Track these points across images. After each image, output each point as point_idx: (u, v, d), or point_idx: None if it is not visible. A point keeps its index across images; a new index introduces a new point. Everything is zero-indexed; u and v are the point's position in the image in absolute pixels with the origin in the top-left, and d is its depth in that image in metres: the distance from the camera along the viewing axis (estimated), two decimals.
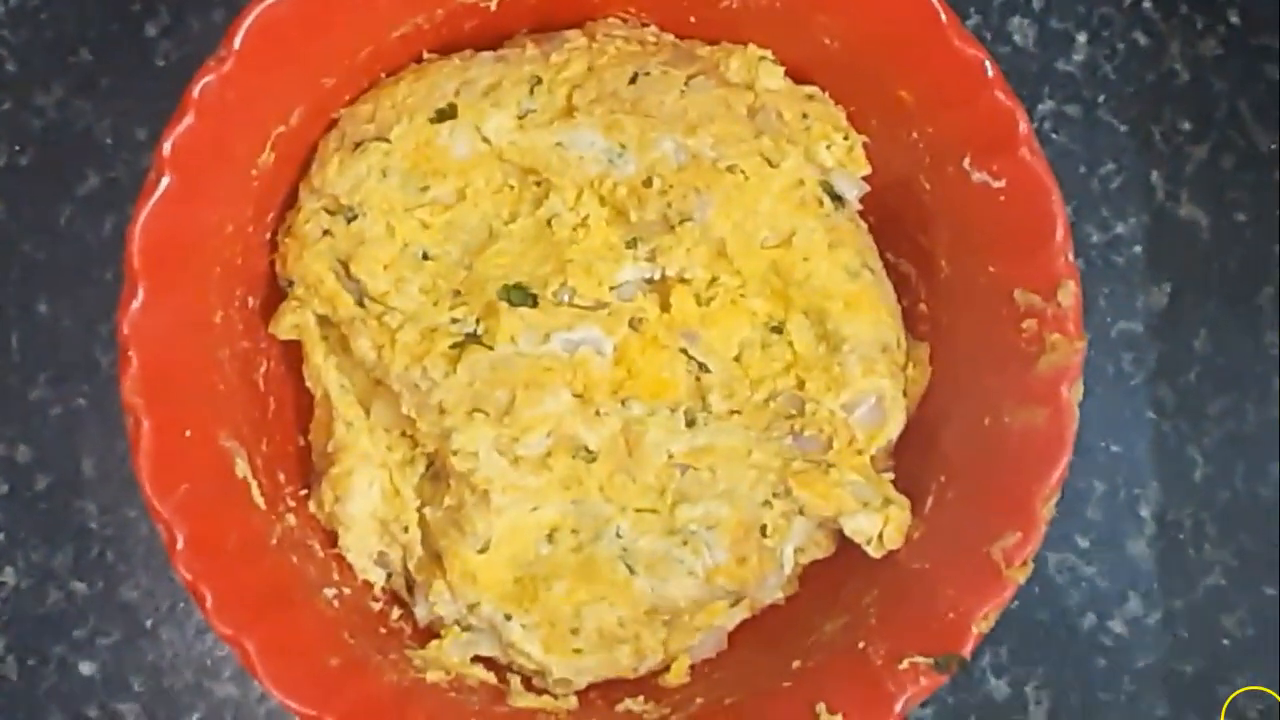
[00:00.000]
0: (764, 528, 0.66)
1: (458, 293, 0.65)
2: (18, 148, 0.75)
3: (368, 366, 0.65)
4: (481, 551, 0.65)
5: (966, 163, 0.64)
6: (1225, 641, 0.74)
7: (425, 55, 0.67)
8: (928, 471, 0.66)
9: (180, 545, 0.59)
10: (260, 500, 0.64)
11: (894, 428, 0.67)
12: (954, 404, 0.66)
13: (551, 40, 0.67)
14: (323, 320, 0.66)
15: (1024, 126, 0.63)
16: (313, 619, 0.64)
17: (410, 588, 0.68)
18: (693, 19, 0.68)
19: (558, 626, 0.65)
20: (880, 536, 0.65)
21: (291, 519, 0.66)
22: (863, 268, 0.67)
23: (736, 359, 0.66)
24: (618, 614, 0.65)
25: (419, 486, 0.67)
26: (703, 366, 0.65)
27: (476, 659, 0.67)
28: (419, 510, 0.67)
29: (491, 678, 0.67)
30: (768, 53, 0.67)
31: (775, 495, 0.66)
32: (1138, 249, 0.77)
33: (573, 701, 0.66)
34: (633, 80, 0.66)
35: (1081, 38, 0.78)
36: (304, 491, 0.68)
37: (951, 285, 0.66)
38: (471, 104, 0.65)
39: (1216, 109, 0.78)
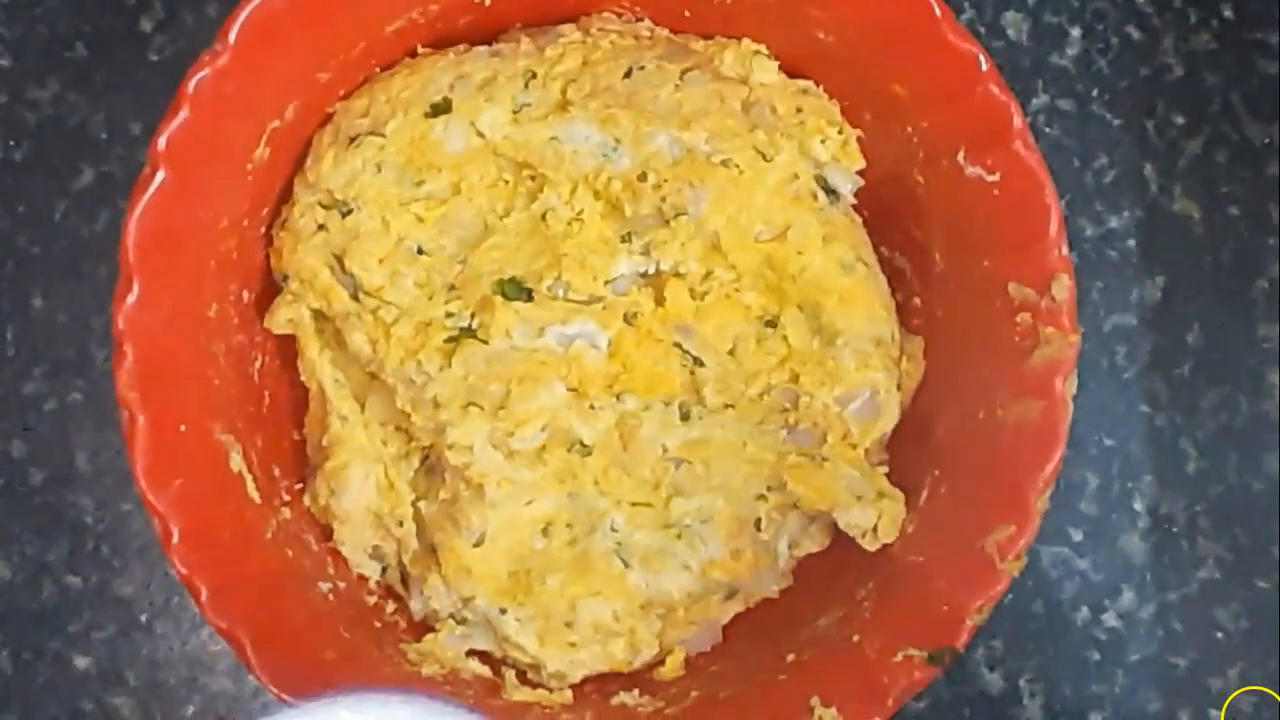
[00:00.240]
0: (758, 521, 0.66)
1: (452, 287, 0.65)
2: (12, 142, 0.75)
3: (362, 361, 0.65)
4: (476, 545, 0.65)
5: (961, 157, 0.64)
6: (1219, 635, 0.74)
7: (420, 50, 0.67)
8: (922, 465, 0.66)
9: (175, 539, 0.59)
10: (255, 494, 0.64)
11: (888, 421, 0.67)
12: (948, 398, 0.66)
13: (546, 35, 0.67)
14: (317, 315, 0.66)
15: (1018, 121, 0.63)
16: (307, 613, 0.64)
17: (405, 581, 0.68)
18: (687, 13, 0.68)
19: (552, 620, 0.65)
20: (874, 530, 0.66)
21: (286, 513, 0.66)
22: (857, 262, 0.67)
23: (731, 353, 0.66)
24: (612, 608, 0.66)
25: (414, 480, 0.67)
26: (697, 360, 0.65)
27: (471, 653, 0.67)
28: (414, 504, 0.67)
29: (486, 671, 0.67)
30: (762, 47, 0.67)
31: (770, 489, 0.66)
32: (1131, 243, 0.77)
33: (567, 695, 0.66)
34: (627, 75, 0.66)
35: (1075, 32, 0.78)
36: (299, 485, 0.68)
37: (946, 279, 0.66)
38: (466, 99, 0.65)
39: (1210, 103, 0.78)
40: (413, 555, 0.67)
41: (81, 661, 0.74)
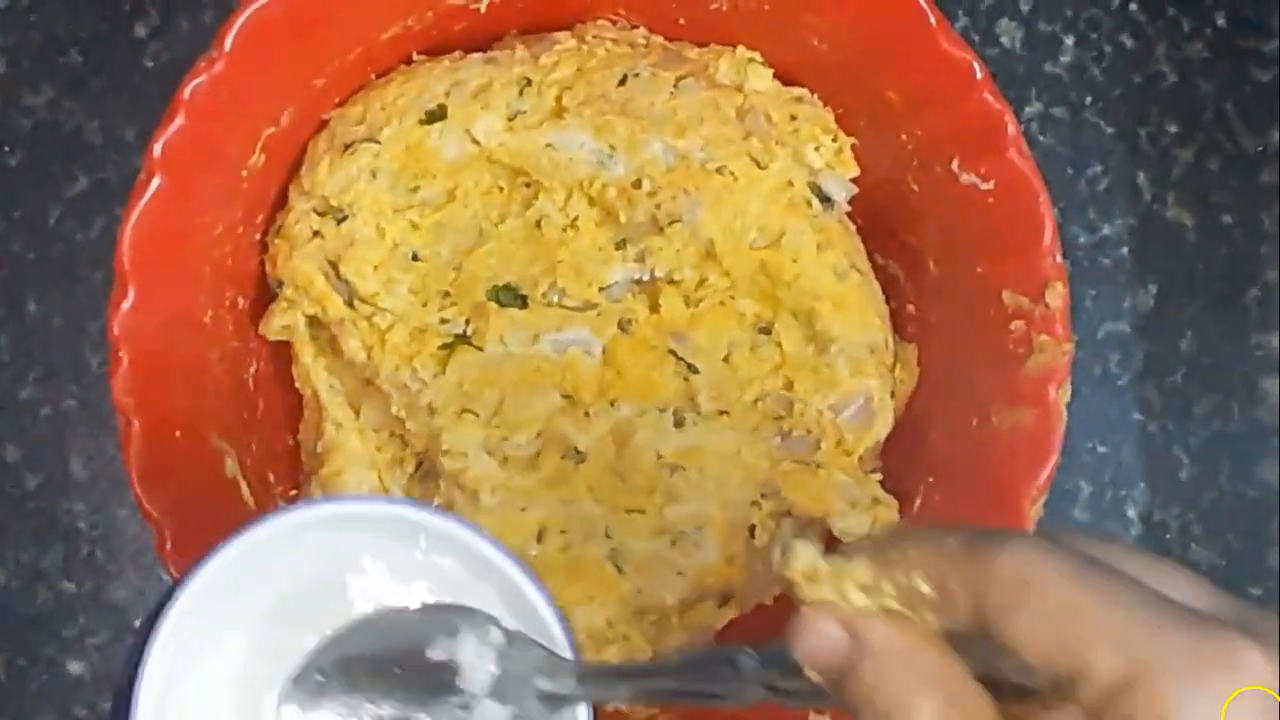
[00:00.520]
0: (752, 528, 0.66)
1: (447, 294, 0.65)
2: (7, 148, 0.75)
3: (357, 367, 0.65)
4: None
5: (955, 164, 0.64)
6: None
7: (415, 57, 0.67)
8: (915, 472, 0.66)
9: (169, 545, 0.59)
10: (250, 500, 0.64)
11: (882, 428, 0.67)
12: (942, 405, 0.66)
13: (541, 42, 0.67)
14: (312, 321, 0.66)
15: (1012, 128, 0.63)
16: None
17: None
18: (682, 21, 0.68)
19: None
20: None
21: None
22: (851, 269, 0.67)
23: (725, 360, 0.66)
24: (606, 614, 0.66)
25: (408, 486, 0.67)
26: (691, 367, 0.65)
27: None
28: None
29: None
30: (756, 55, 0.67)
31: (763, 495, 0.66)
32: (1124, 250, 0.77)
33: None
34: (622, 82, 0.66)
35: (1069, 40, 0.78)
36: (293, 491, 0.68)
37: (939, 286, 0.67)
38: (461, 105, 0.65)
39: (1203, 111, 0.78)
40: None
41: (76, 667, 0.74)
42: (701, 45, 0.68)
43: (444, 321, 0.65)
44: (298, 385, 0.68)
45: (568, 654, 0.50)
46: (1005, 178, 0.63)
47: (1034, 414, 0.62)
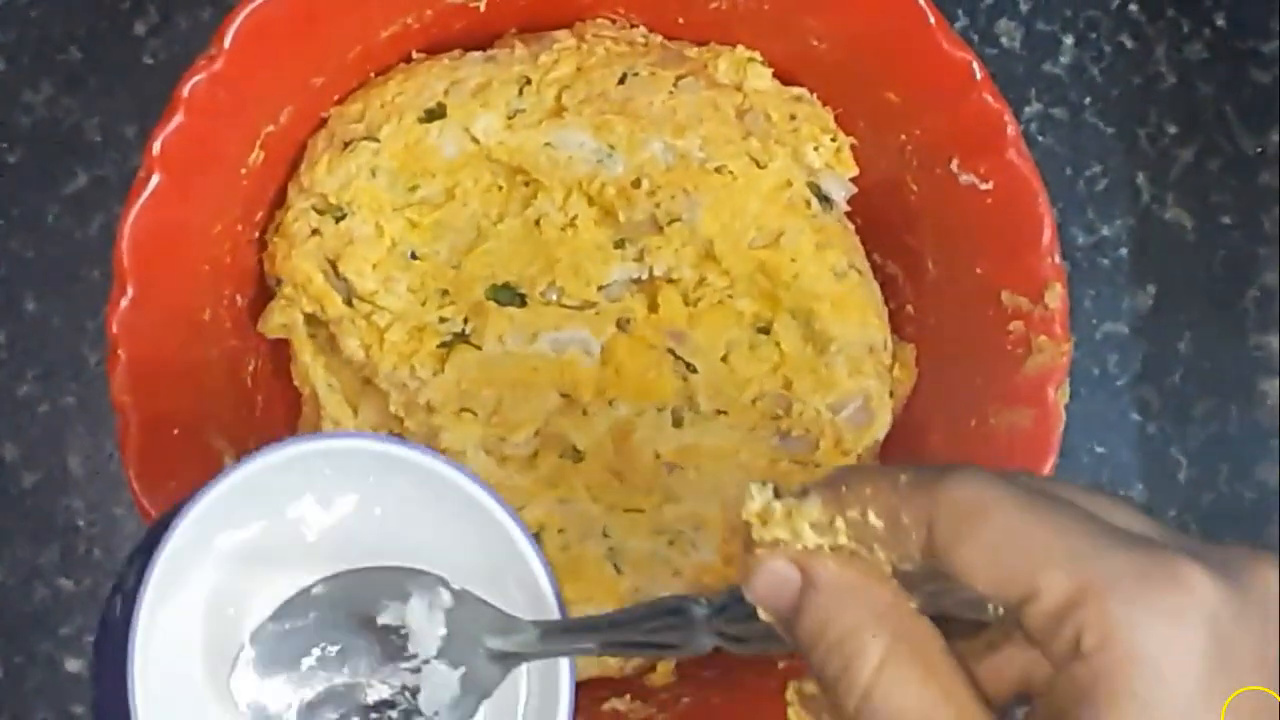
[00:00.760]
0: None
1: (446, 292, 0.65)
2: (5, 145, 0.75)
3: (356, 366, 0.65)
4: None
5: (954, 164, 0.64)
6: None
7: (414, 55, 0.67)
8: None
9: None
10: None
11: (880, 429, 0.67)
12: (940, 405, 0.66)
13: (540, 41, 0.67)
14: (311, 319, 0.66)
15: (1011, 129, 0.63)
16: None
17: None
18: (681, 20, 0.68)
19: None
20: None
21: None
22: (850, 269, 0.67)
23: (724, 359, 0.66)
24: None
25: None
26: (690, 367, 0.65)
27: None
28: None
29: None
30: (756, 54, 0.67)
31: None
32: (1123, 251, 0.77)
33: None
34: (621, 81, 0.66)
35: (1068, 40, 0.78)
36: None
37: (938, 287, 0.67)
38: (460, 104, 0.65)
39: (1203, 112, 0.78)
40: None
41: (73, 665, 0.74)
42: (701, 44, 0.68)
43: (442, 320, 0.65)
44: (296, 383, 0.68)
45: (548, 589, 0.51)
46: (1004, 178, 0.63)
47: (1032, 415, 0.62)
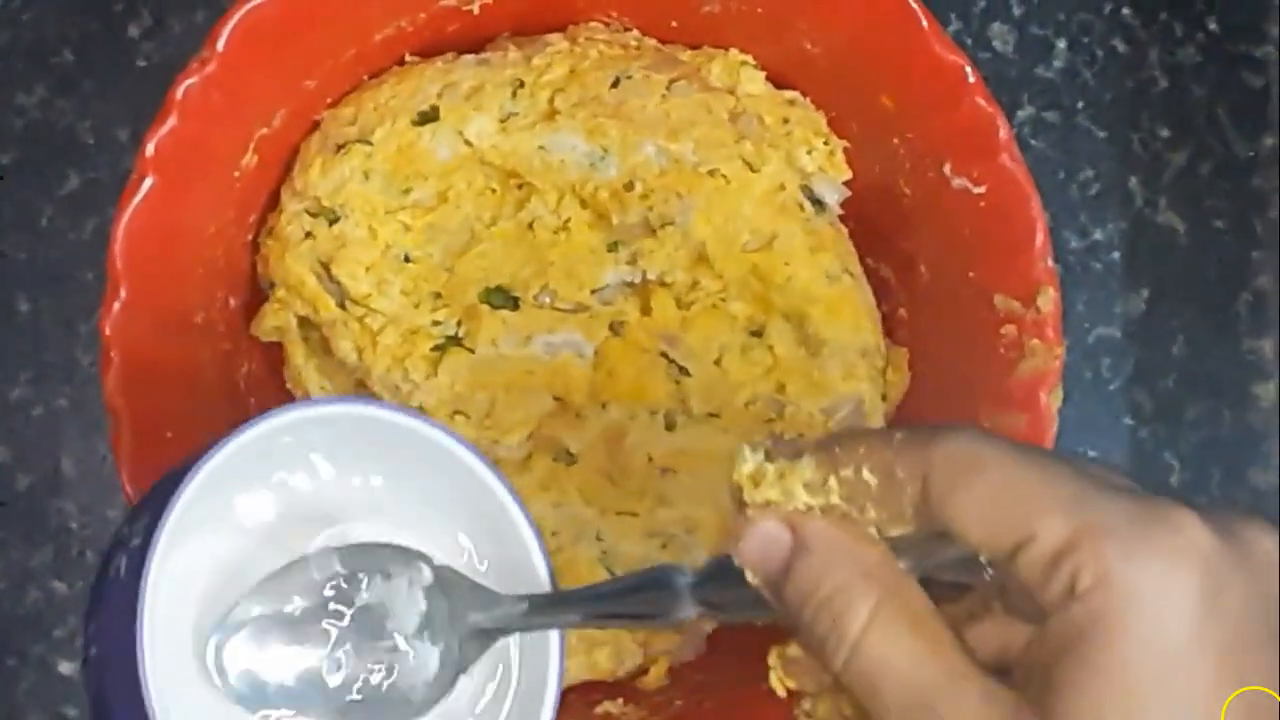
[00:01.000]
0: None
1: (439, 295, 0.65)
2: None
3: (349, 368, 0.65)
4: None
5: (947, 168, 0.64)
6: None
7: (408, 58, 0.67)
8: None
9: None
10: None
11: None
12: (933, 409, 0.66)
13: (534, 44, 0.67)
14: (304, 322, 0.66)
15: (1004, 133, 0.63)
16: None
17: None
18: (674, 23, 0.68)
19: None
20: None
21: None
22: (843, 272, 0.67)
23: (717, 363, 0.66)
24: None
25: None
26: (683, 370, 0.65)
27: None
28: None
29: None
30: (749, 58, 0.67)
31: None
32: (1116, 255, 0.77)
33: None
34: (615, 84, 0.66)
35: (1061, 44, 0.78)
36: None
37: (931, 290, 0.67)
38: (454, 107, 0.65)
39: (1195, 116, 0.78)
40: None
41: (66, 667, 0.73)
42: (694, 48, 0.68)
43: (436, 323, 0.65)
44: (289, 386, 0.68)
45: (538, 553, 0.52)
46: (997, 182, 0.63)
47: (1025, 419, 0.63)
